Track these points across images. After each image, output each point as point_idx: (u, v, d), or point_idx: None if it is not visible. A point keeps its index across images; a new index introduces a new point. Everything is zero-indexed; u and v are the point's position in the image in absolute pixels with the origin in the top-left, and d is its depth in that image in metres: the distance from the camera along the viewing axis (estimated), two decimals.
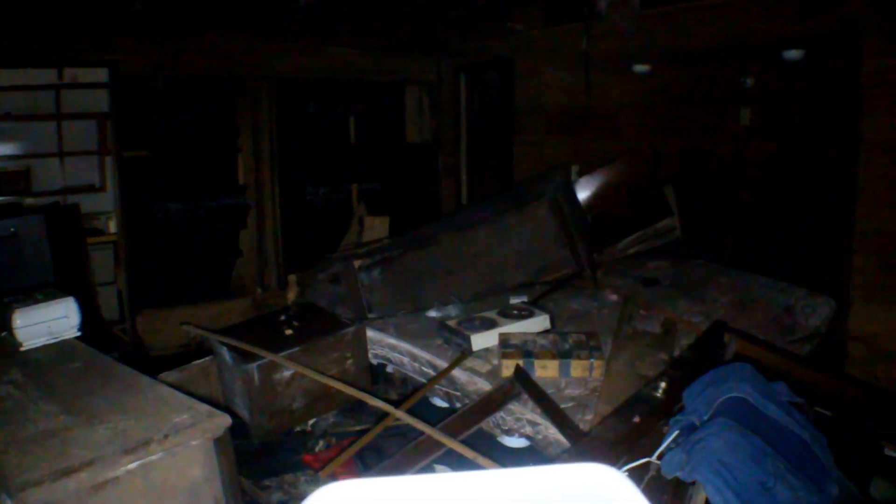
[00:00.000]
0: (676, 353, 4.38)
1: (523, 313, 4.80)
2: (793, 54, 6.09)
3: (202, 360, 4.61)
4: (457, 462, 4.00)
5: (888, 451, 4.13)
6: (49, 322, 3.45)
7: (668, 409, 3.50)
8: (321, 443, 4.56)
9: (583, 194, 6.41)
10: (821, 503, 2.93)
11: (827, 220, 6.09)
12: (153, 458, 2.29)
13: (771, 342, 4.56)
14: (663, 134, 7.10)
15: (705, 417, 3.08)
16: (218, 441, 2.50)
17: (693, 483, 2.87)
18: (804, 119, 6.23)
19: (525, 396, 3.93)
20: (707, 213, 6.81)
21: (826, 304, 5.58)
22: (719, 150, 6.92)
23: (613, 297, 5.36)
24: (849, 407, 4.13)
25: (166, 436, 2.33)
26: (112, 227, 7.47)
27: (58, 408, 2.64)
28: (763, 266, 6.20)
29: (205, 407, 2.51)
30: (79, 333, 3.52)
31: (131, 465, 2.25)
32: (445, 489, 1.27)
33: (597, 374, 4.13)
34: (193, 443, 2.38)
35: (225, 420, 2.46)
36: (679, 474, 2.84)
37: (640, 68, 7.09)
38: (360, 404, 4.59)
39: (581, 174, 6.73)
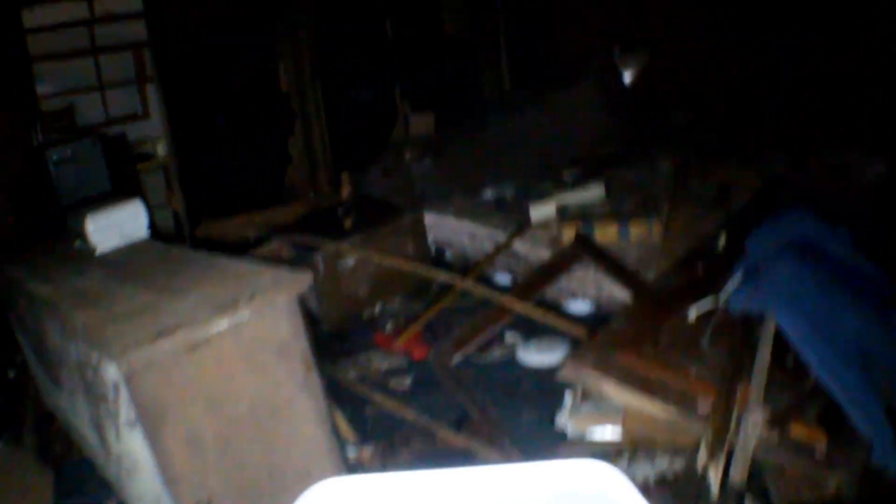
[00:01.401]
0: (734, 211, 4.39)
1: (579, 184, 4.84)
2: None
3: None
4: (525, 330, 4.11)
5: None
6: (120, 224, 3.52)
7: (730, 261, 3.54)
8: (390, 324, 4.68)
9: (629, 71, 6.34)
10: (889, 331, 2.98)
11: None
12: (242, 317, 2.39)
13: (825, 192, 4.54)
14: None
15: (770, 257, 3.13)
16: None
17: (761, 318, 2.93)
18: None
19: (587, 260, 4.00)
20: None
21: (880, 162, 5.53)
22: None
23: (666, 166, 5.35)
24: None
25: (252, 295, 2.44)
26: (161, 150, 7.54)
27: (145, 289, 2.75)
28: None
29: (285, 269, 2.61)
30: (149, 234, 3.60)
31: (222, 325, 2.35)
32: (441, 484, 1.27)
33: (656, 234, 4.17)
34: (279, 301, 2.48)
35: (306, 277, 2.56)
36: (747, 307, 2.91)
37: None
38: (425, 288, 4.70)
39: (623, 53, 6.63)
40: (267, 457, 2.61)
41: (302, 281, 2.54)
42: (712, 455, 2.50)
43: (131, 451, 2.53)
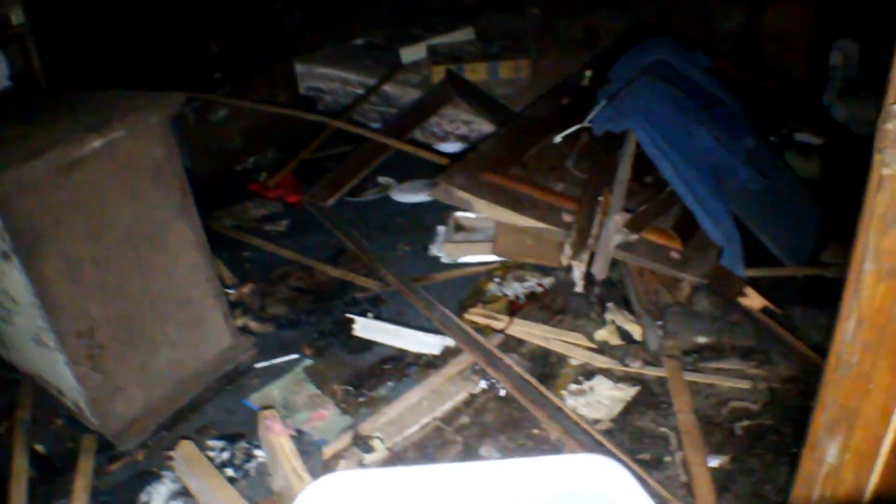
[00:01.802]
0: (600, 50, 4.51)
1: (449, 26, 4.87)
2: None
3: None
4: (398, 174, 4.19)
5: (797, 137, 4.41)
6: None
7: (595, 92, 3.67)
8: (264, 174, 4.67)
9: None
10: (738, 150, 3.18)
11: None
12: (116, 135, 2.36)
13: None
14: None
15: (631, 80, 3.27)
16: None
17: (622, 138, 3.08)
18: None
19: (457, 99, 4.07)
20: None
21: (741, 10, 5.71)
22: None
23: (536, 11, 5.40)
24: (763, 97, 4.34)
25: (125, 114, 2.41)
26: (15, 17, 7.05)
27: (12, 125, 2.61)
28: None
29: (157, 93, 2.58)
30: (10, 84, 3.43)
31: (96, 144, 2.32)
32: (444, 480, 1.29)
33: (524, 73, 4.26)
34: (152, 121, 2.46)
35: (179, 96, 2.54)
36: (609, 126, 3.05)
37: None
38: (298, 139, 4.68)
39: None
40: (147, 283, 2.63)
41: (174, 101, 2.52)
42: (576, 253, 2.67)
43: (7, 289, 2.50)
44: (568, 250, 2.68)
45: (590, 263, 2.71)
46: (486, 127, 3.97)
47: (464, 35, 4.77)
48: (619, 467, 1.27)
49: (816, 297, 3.04)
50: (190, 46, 7.99)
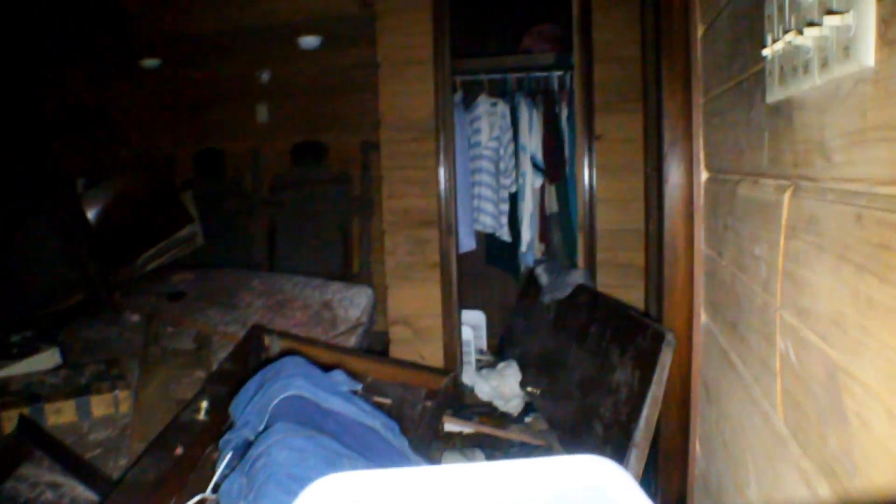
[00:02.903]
0: (215, 368, 3.87)
1: (25, 350, 3.99)
2: (310, 42, 5.93)
3: None
4: None
5: (447, 426, 4.15)
6: None
7: (216, 431, 2.98)
8: None
9: (92, 209, 5.64)
10: None
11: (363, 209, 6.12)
12: None
13: (315, 338, 4.27)
14: (177, 136, 6.59)
15: (261, 428, 2.60)
16: None
17: None
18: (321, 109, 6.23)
19: (38, 454, 3.16)
20: (229, 217, 6.47)
21: (363, 294, 5.46)
22: (237, 150, 6.60)
23: (135, 318, 4.68)
24: (407, 390, 4.00)
25: None
26: None
27: None
28: (296, 266, 6.00)
29: None
30: None
31: None
32: (439, 482, 1.24)
33: (124, 408, 3.50)
34: None
35: None
36: (242, 499, 2.32)
37: (150, 63, 6.37)
38: None
39: (88, 186, 5.91)
40: None
41: None
42: None
43: None
44: None
45: None
46: (79, 489, 3.06)
47: (46, 360, 3.90)
48: (617, 467, 1.24)
49: None
50: None
